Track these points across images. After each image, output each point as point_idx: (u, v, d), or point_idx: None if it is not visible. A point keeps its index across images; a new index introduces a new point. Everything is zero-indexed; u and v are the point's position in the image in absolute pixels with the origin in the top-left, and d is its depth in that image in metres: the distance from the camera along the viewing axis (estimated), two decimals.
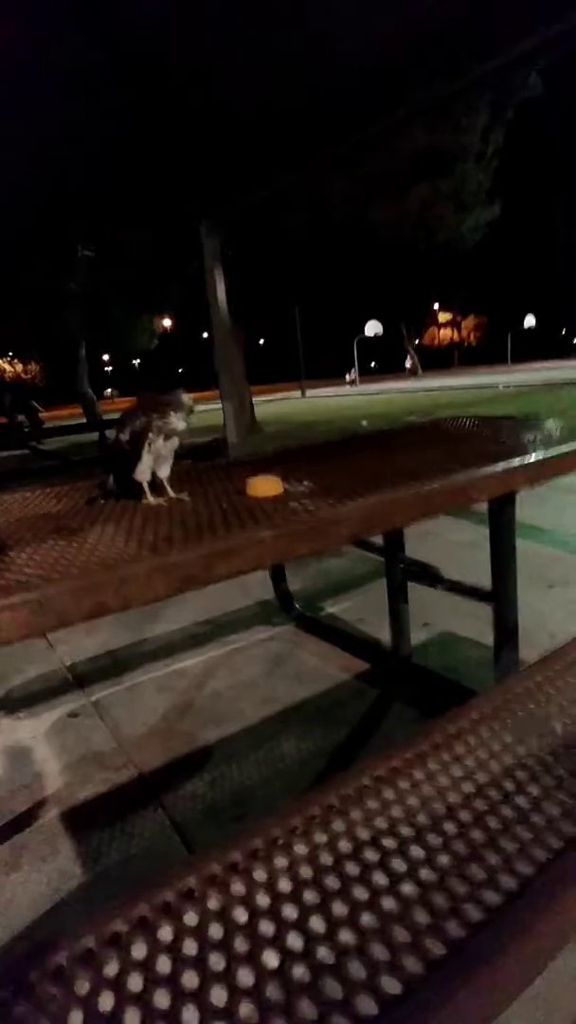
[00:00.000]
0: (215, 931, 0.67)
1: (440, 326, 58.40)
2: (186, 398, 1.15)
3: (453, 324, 58.46)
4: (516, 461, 1.17)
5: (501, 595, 1.67)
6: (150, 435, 1.16)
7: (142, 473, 1.20)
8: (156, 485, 1.24)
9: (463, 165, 8.73)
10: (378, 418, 11.51)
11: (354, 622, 2.52)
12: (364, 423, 11.10)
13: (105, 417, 15.56)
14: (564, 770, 0.87)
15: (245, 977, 0.61)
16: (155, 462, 1.21)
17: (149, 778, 1.71)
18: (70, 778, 1.74)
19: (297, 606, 2.63)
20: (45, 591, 0.74)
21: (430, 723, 0.99)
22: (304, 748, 1.74)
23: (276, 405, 22.49)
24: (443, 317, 56.35)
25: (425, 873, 0.71)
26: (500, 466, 1.15)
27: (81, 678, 2.33)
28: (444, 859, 0.73)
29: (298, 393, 30.37)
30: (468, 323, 59.02)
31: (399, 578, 2.00)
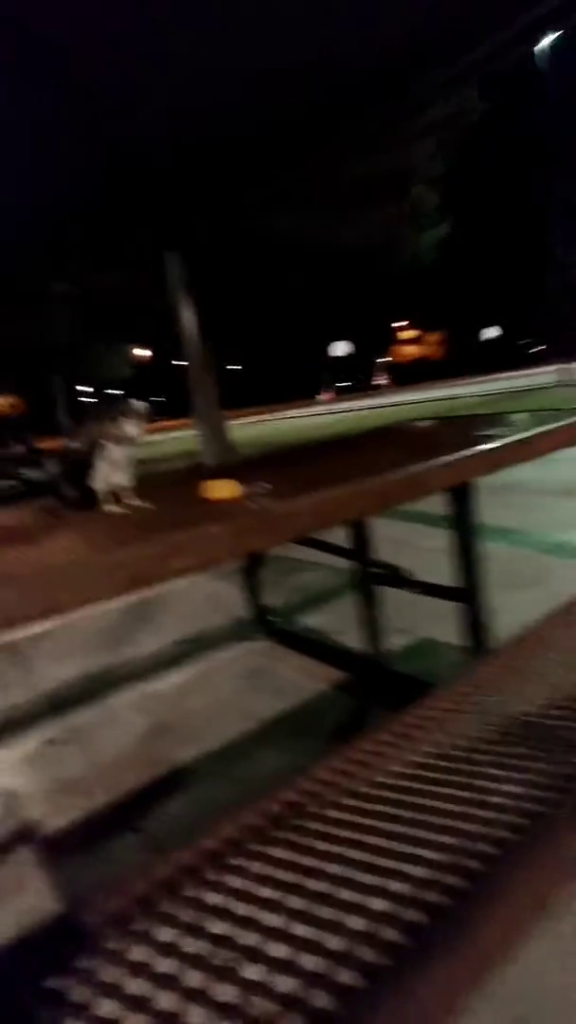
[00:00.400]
0: (165, 934, 0.64)
1: (405, 342, 59.50)
2: (138, 404, 1.15)
3: (417, 340, 59.63)
4: (471, 451, 1.18)
5: (468, 591, 1.68)
6: (103, 442, 1.15)
7: (98, 481, 1.19)
8: (114, 493, 1.23)
9: (416, 185, 8.96)
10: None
11: (332, 633, 2.51)
12: None
13: None
14: (524, 752, 0.86)
15: (194, 979, 0.59)
16: (111, 470, 1.20)
17: (127, 802, 1.66)
18: (47, 807, 1.69)
19: (272, 619, 2.61)
20: None
21: (390, 715, 0.98)
22: (283, 762, 1.71)
23: (252, 428, 22.61)
24: (407, 334, 57.44)
25: (384, 862, 0.70)
26: (455, 456, 1.16)
27: (57, 703, 2.27)
28: (405, 847, 0.72)
29: (271, 416, 30.60)
30: (431, 338, 60.20)
31: (369, 582, 2.00)
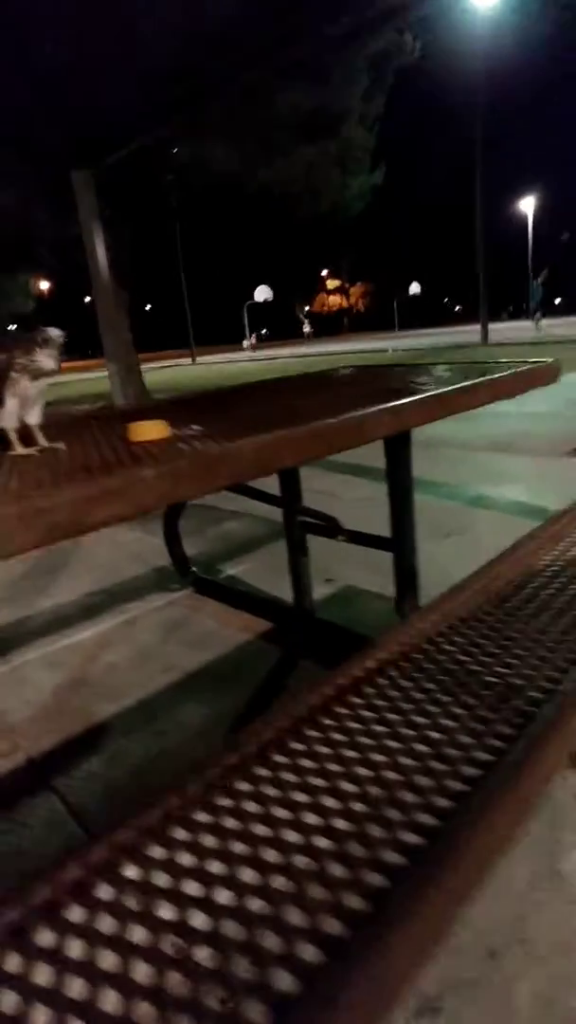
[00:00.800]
0: (107, 924, 0.58)
1: (329, 292, 58.90)
2: (55, 333, 1.01)
3: (342, 291, 59.08)
4: (409, 399, 1.13)
5: (400, 541, 1.67)
6: (13, 375, 1.01)
7: (6, 419, 1.05)
8: (25, 433, 1.09)
9: (347, 126, 8.64)
10: None
11: (255, 583, 2.47)
12: None
13: None
14: (470, 701, 0.85)
15: (143, 971, 0.53)
16: (22, 406, 1.06)
17: (41, 762, 1.58)
18: None
19: (194, 570, 2.53)
20: None
21: (333, 671, 0.95)
22: (206, 715, 1.67)
23: (167, 372, 21.82)
24: (332, 284, 56.85)
25: (341, 823, 0.66)
26: (394, 403, 1.11)
27: None
28: (358, 807, 0.68)
29: (188, 360, 29.65)
30: (356, 290, 59.88)
31: (298, 531, 1.96)
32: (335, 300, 60.23)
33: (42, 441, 1.10)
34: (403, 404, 1.10)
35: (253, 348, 34.22)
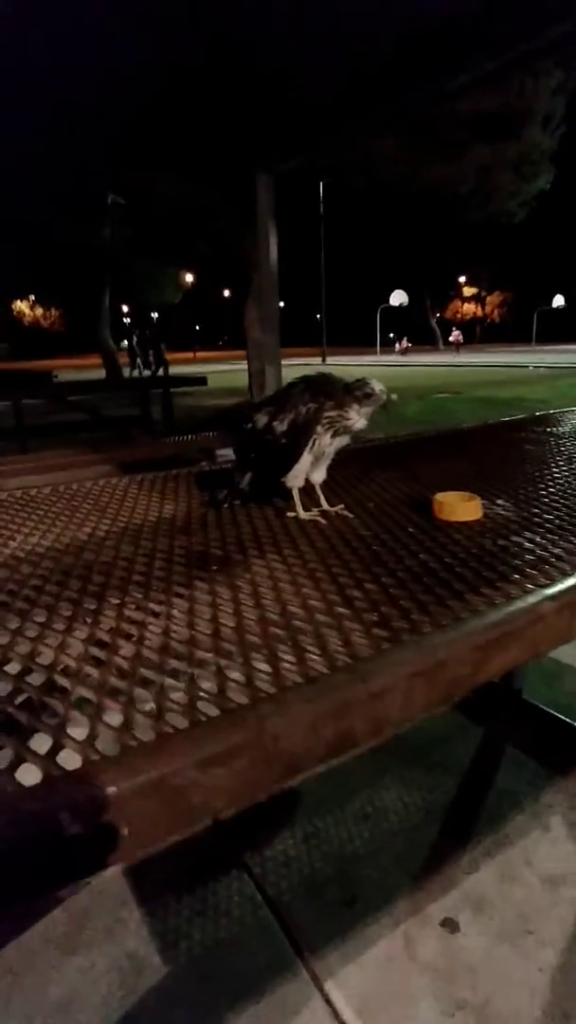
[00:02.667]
0: None
1: (464, 300, 56.95)
2: (378, 388, 0.83)
3: (478, 299, 56.93)
4: None
5: None
6: (318, 429, 0.84)
7: (296, 478, 0.89)
8: (306, 492, 0.92)
9: (529, 129, 8.04)
10: (413, 392, 11.06)
11: None
12: (394, 396, 10.73)
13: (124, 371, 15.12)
14: None
15: None
16: (314, 465, 0.90)
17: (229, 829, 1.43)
18: None
19: None
20: (271, 722, 0.43)
21: None
22: (410, 800, 1.46)
23: (300, 371, 21.84)
24: (468, 291, 54.88)
25: None
26: None
27: None
28: None
29: (318, 359, 29.72)
30: (493, 299, 57.46)
31: None
32: (469, 308, 58.13)
33: (324, 504, 0.93)
34: None
35: (403, 352, 33.09)
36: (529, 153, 8.45)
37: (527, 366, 18.38)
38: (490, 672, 0.56)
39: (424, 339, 40.23)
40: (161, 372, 12.78)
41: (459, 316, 56.46)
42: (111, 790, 0.37)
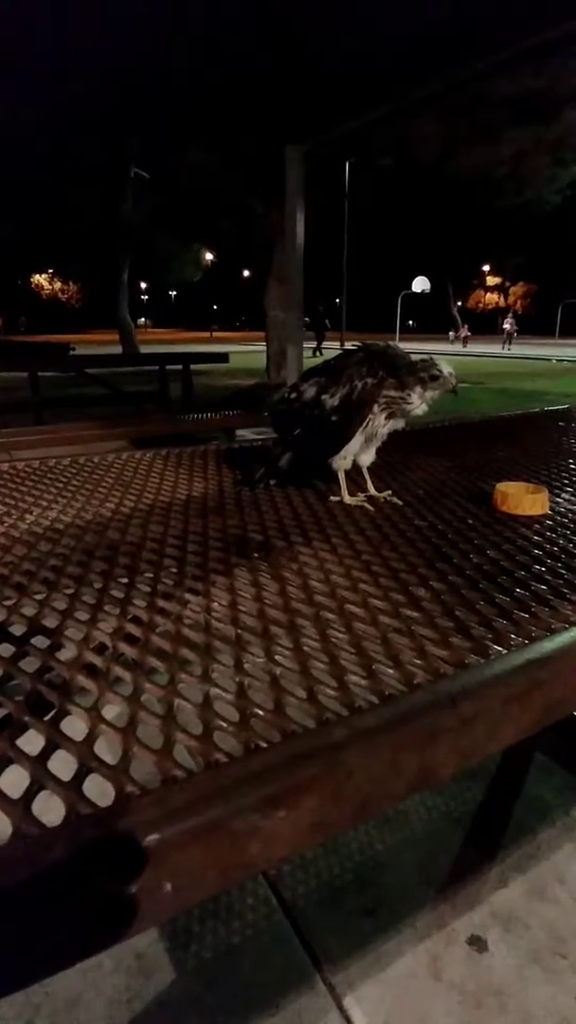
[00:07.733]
0: None
1: (487, 290, 55.97)
2: (448, 370, 0.73)
3: (501, 289, 55.91)
4: None
5: None
6: (374, 408, 0.75)
7: (344, 459, 0.80)
8: (350, 476, 0.84)
9: (569, 112, 7.73)
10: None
11: None
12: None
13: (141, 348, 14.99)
14: None
15: None
16: (364, 446, 0.81)
17: None
18: None
19: None
20: (347, 753, 0.35)
21: None
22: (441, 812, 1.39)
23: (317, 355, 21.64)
24: (492, 281, 53.89)
25: None
26: None
27: None
28: None
29: (336, 344, 29.35)
30: (517, 290, 56.40)
31: None
32: (491, 298, 57.12)
33: (371, 489, 0.84)
34: None
35: (464, 342, 30.65)
36: (569, 136, 8.13)
37: (549, 359, 18.06)
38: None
39: (444, 327, 39.58)
40: None
41: (481, 306, 55.51)
42: (152, 839, 0.29)
